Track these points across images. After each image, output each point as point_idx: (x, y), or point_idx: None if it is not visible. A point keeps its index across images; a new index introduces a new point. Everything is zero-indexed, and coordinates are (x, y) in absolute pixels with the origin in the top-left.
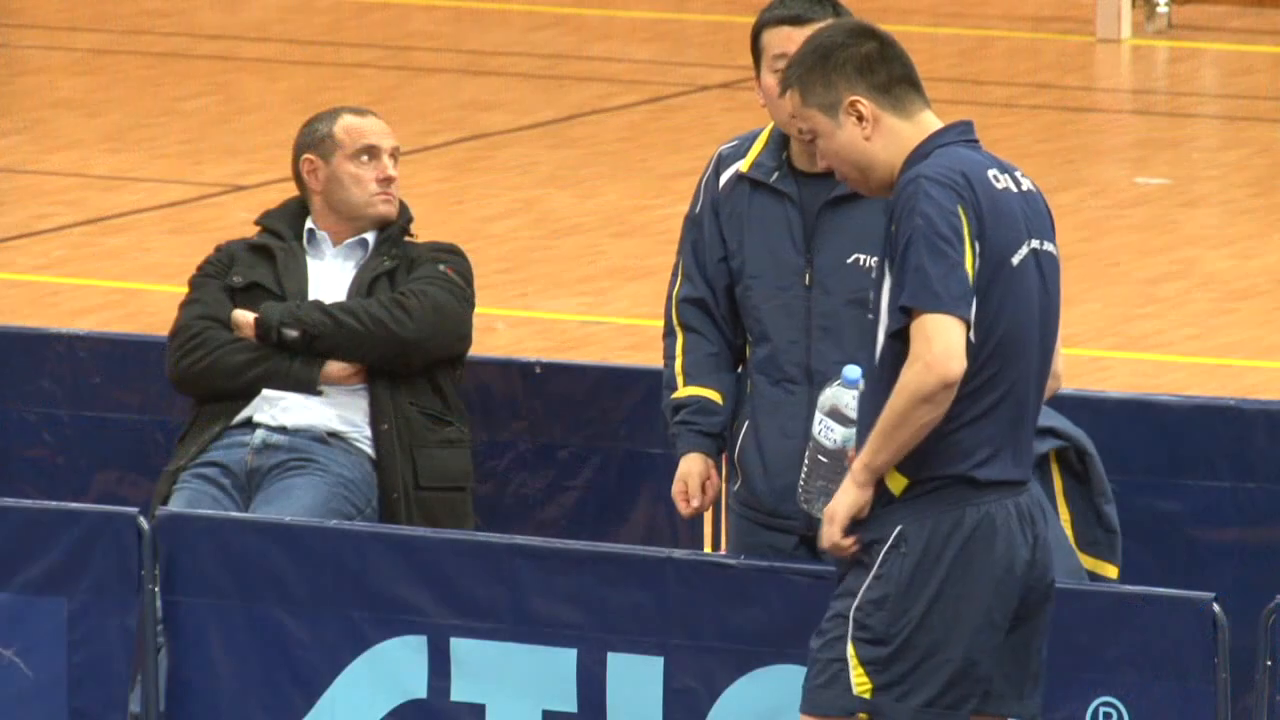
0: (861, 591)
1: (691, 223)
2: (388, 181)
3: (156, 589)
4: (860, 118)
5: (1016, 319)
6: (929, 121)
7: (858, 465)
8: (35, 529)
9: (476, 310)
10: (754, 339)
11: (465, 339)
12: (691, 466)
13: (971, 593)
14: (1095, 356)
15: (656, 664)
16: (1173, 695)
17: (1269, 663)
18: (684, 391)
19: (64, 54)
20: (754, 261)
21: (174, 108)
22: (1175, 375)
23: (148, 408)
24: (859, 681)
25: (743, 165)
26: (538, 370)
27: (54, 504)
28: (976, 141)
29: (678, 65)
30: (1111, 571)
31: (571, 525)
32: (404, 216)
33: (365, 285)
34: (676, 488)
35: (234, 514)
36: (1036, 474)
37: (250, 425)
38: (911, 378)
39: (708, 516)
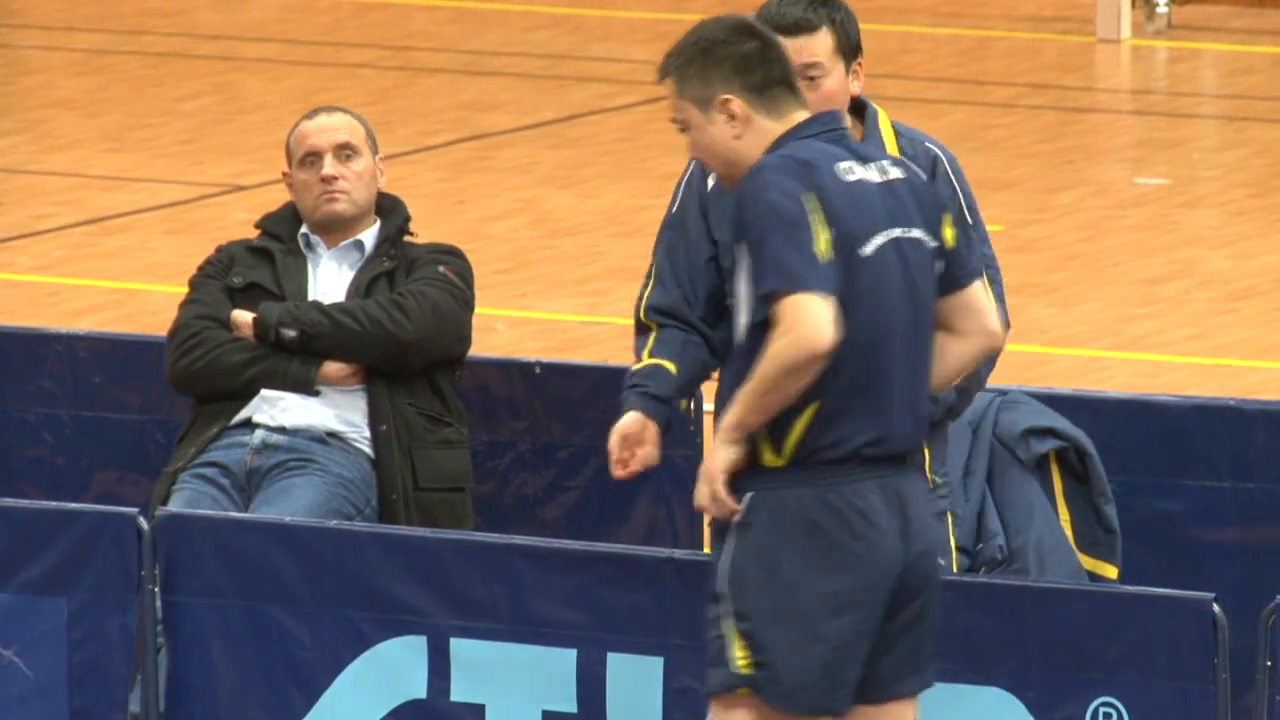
0: (728, 567)
1: (669, 224)
2: (328, 180)
3: (156, 589)
4: (731, 116)
5: (873, 308)
6: (795, 122)
7: (726, 424)
8: (35, 529)
9: (476, 310)
10: None
11: (464, 340)
12: (628, 426)
13: (826, 574)
14: (1095, 356)
15: (656, 664)
16: (1173, 695)
17: (1269, 663)
18: (640, 365)
19: (64, 54)
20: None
21: (174, 108)
22: (1175, 375)
23: (148, 408)
24: (739, 656)
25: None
26: (538, 370)
27: (54, 504)
28: (842, 131)
29: None
30: (1111, 572)
31: (571, 525)
32: (402, 216)
33: (364, 286)
34: (610, 444)
35: (234, 514)
36: (1036, 474)
37: (249, 425)
38: (782, 348)
39: (707, 516)
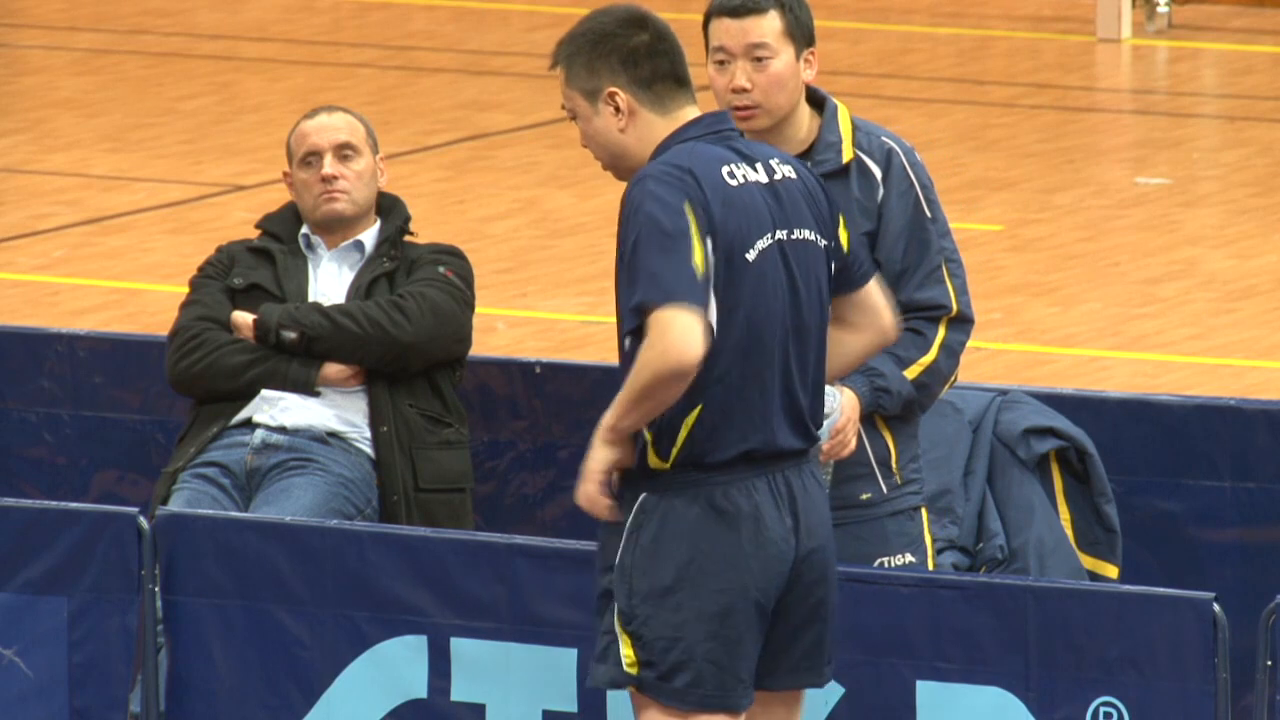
0: (617, 566)
1: None
2: (329, 180)
3: (157, 589)
4: (617, 109)
5: (755, 311)
6: (686, 117)
7: (604, 424)
8: (35, 529)
9: (477, 311)
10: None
11: (464, 341)
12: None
13: (715, 574)
14: (1095, 356)
15: None
16: (1173, 695)
17: (1269, 663)
18: None
19: (64, 54)
20: None
21: (174, 108)
22: (1175, 375)
23: (148, 408)
24: (627, 654)
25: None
26: (538, 370)
27: (54, 504)
28: (729, 132)
29: None
30: (1111, 571)
31: (572, 525)
32: (402, 216)
33: (364, 287)
34: None
35: (234, 514)
36: (1036, 474)
37: (249, 425)
38: (649, 360)
39: None
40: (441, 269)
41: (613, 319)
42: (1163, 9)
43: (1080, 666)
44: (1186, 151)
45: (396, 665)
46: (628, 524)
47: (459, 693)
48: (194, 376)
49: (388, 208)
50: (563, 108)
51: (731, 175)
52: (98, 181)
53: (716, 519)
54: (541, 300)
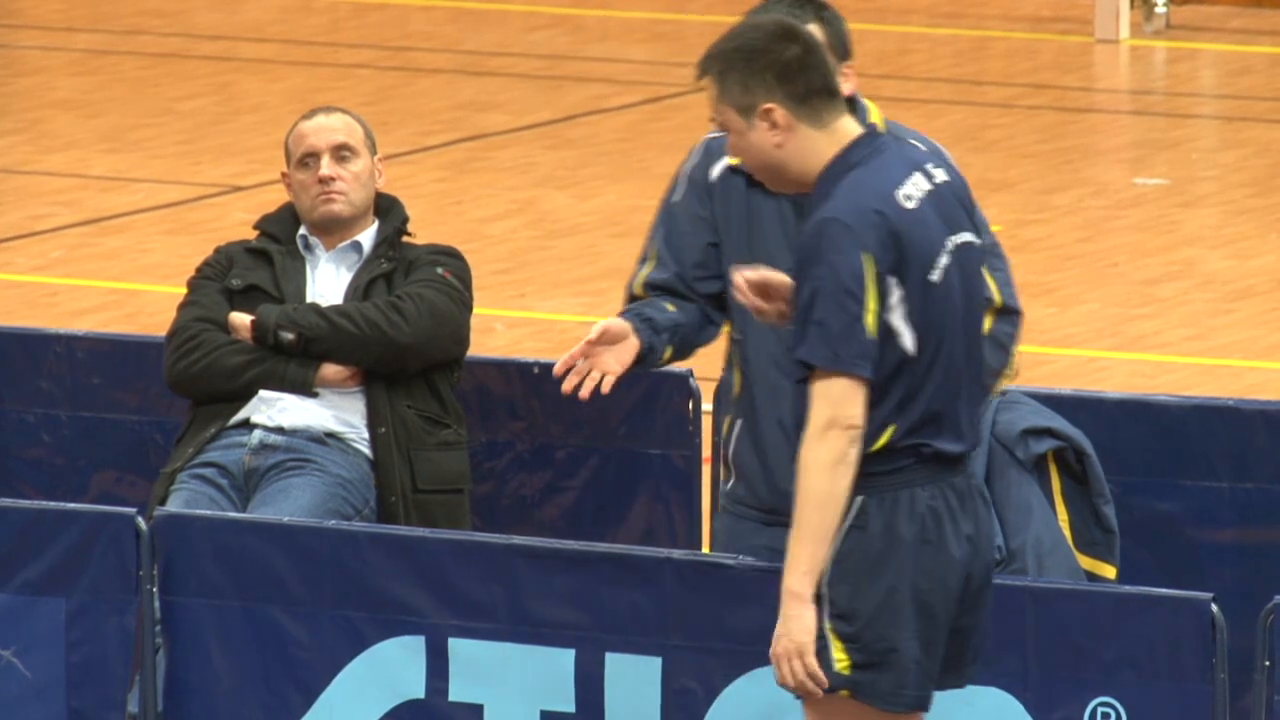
0: (828, 567)
1: (669, 211)
2: (326, 181)
3: (155, 589)
4: (773, 125)
5: (945, 328)
6: (844, 130)
7: (794, 583)
8: (34, 529)
9: (475, 311)
10: (743, 336)
11: (462, 343)
12: (611, 323)
13: (925, 575)
14: (1093, 356)
15: (655, 664)
16: (1171, 696)
17: (1267, 663)
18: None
19: (62, 54)
20: (748, 256)
21: (172, 108)
22: (1174, 375)
23: (146, 408)
24: (839, 658)
25: (733, 159)
26: (536, 371)
27: (52, 504)
28: (883, 145)
29: (676, 66)
30: (1110, 572)
31: (570, 525)
32: (400, 216)
33: (362, 288)
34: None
35: (232, 514)
36: (1035, 474)
37: (247, 426)
38: (823, 449)
39: (706, 516)
40: (439, 270)
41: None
42: (1160, 9)
43: (1078, 667)
44: (1185, 152)
45: (394, 666)
46: (847, 526)
47: (457, 693)
48: (192, 377)
49: (386, 208)
50: (711, 120)
51: (908, 198)
52: (96, 182)
53: (927, 523)
54: (539, 301)
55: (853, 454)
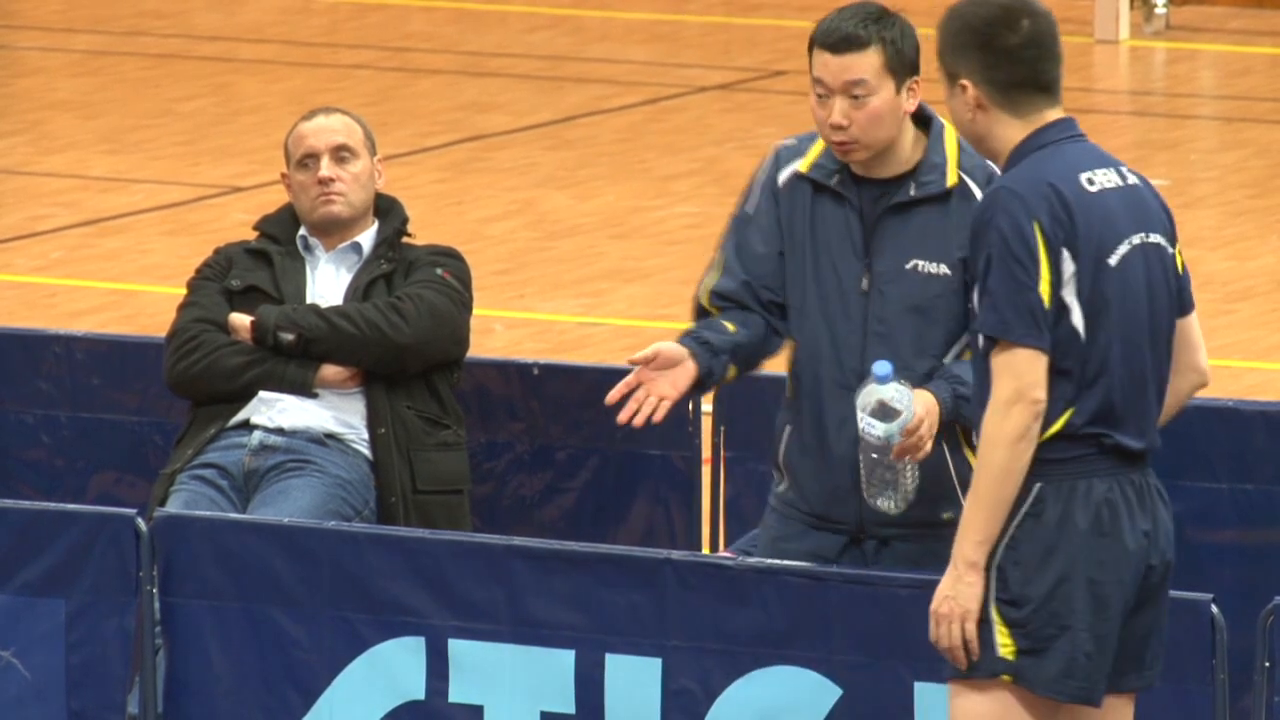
0: (1001, 550)
1: (741, 221)
2: (325, 182)
3: (154, 590)
4: (968, 101)
5: (1124, 314)
6: (1042, 119)
7: (969, 550)
8: (33, 530)
9: (474, 312)
10: (804, 342)
11: (461, 343)
12: (667, 347)
13: (1100, 565)
14: None
15: (655, 665)
16: (1171, 696)
17: (1267, 664)
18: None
19: (62, 55)
20: (811, 263)
21: (172, 109)
22: None
23: (145, 409)
24: (1003, 643)
25: (801, 165)
26: (535, 372)
27: (52, 505)
28: (1079, 136)
29: (676, 67)
30: None
31: (569, 526)
32: (400, 217)
33: (362, 289)
34: (635, 356)
35: (231, 515)
36: None
37: (247, 427)
38: (1008, 423)
39: (705, 517)
40: (439, 270)
41: (611, 320)
42: (1160, 10)
43: None
44: (1184, 153)
45: (394, 667)
46: (1023, 512)
47: (457, 694)
48: (192, 378)
49: (386, 209)
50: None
51: (1091, 182)
52: (95, 183)
53: (1104, 513)
54: (539, 302)
55: (1035, 429)
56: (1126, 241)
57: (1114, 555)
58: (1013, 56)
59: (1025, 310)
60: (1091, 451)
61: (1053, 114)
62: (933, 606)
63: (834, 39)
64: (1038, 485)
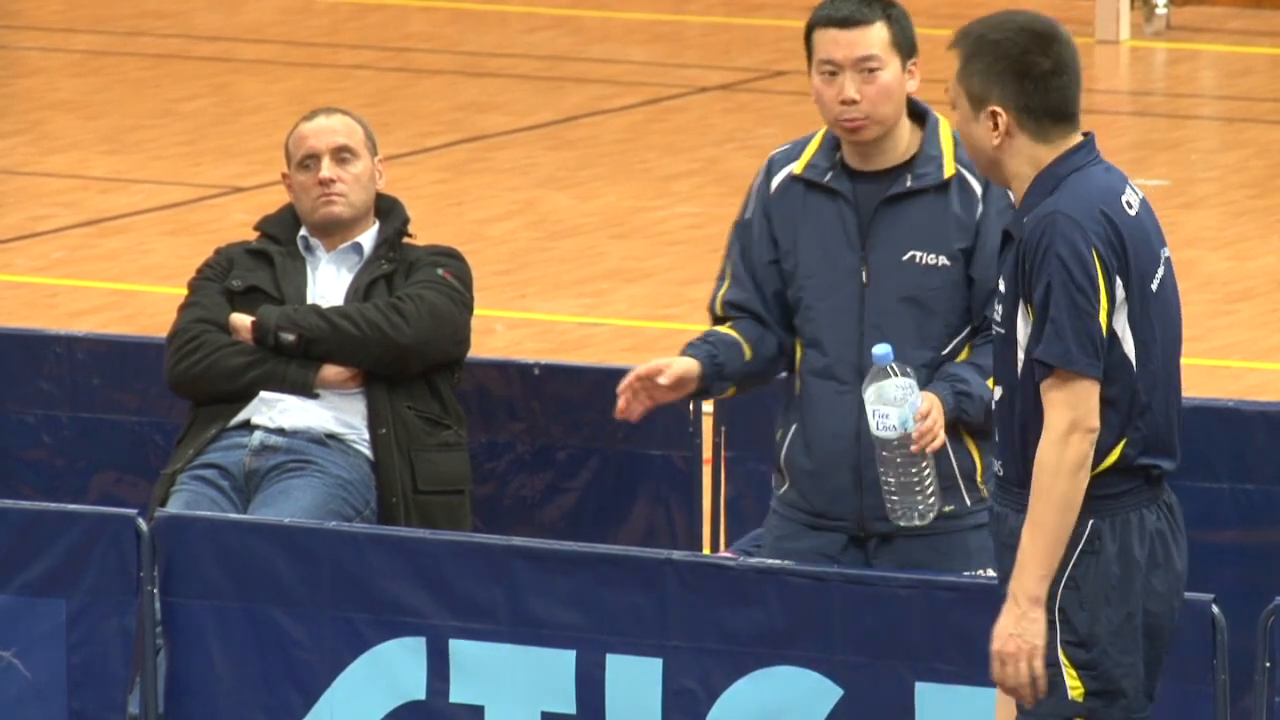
0: (1060, 592)
1: (741, 229)
2: (326, 183)
3: (155, 590)
4: (996, 127)
5: (1166, 337)
6: (1069, 144)
7: (1032, 586)
8: (34, 530)
9: (475, 312)
10: (805, 341)
11: (462, 344)
12: (676, 364)
13: (1154, 596)
14: None
15: (655, 665)
16: (1172, 696)
17: (1268, 664)
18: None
19: (62, 55)
20: (807, 261)
21: (172, 109)
22: None
23: (146, 409)
24: (1073, 685)
25: (795, 167)
26: (536, 372)
27: (53, 505)
28: (1099, 158)
29: (676, 67)
30: None
31: (570, 526)
32: (401, 217)
33: (363, 289)
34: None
35: (232, 515)
36: None
37: (248, 427)
38: (1068, 454)
39: (706, 517)
40: (440, 271)
41: (611, 320)
42: (1161, 10)
43: None
44: (1185, 153)
45: (395, 667)
46: (1079, 550)
47: (458, 694)
48: (193, 378)
49: (386, 210)
50: (946, 90)
51: (1129, 205)
52: (96, 183)
53: (1155, 545)
54: (540, 302)
55: (1091, 457)
56: (1159, 261)
57: (1168, 584)
58: (1047, 84)
59: (1087, 339)
60: (1141, 483)
61: (1076, 137)
62: (996, 646)
63: (842, 14)
64: (1091, 521)
